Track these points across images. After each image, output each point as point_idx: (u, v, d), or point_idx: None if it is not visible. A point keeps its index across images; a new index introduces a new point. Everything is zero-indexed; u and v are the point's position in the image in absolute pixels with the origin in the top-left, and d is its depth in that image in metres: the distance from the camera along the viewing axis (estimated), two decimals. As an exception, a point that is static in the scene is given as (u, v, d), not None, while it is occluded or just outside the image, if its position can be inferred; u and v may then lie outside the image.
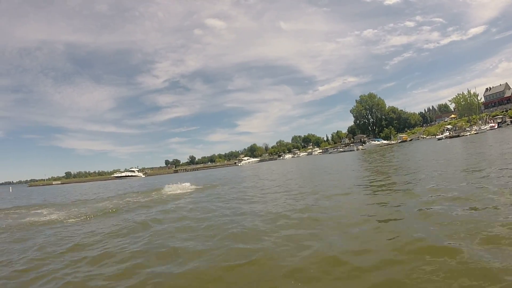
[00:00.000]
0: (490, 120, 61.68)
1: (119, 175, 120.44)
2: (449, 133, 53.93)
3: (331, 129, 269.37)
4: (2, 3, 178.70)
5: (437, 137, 60.01)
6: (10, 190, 69.63)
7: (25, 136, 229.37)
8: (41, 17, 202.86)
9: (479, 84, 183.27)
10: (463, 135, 50.30)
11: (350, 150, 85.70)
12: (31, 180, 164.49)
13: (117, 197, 20.19)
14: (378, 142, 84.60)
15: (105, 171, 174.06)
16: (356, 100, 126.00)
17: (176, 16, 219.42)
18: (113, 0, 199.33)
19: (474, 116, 77.76)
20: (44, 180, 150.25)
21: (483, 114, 76.84)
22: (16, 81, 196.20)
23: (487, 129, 53.51)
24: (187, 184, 20.97)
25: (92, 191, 33.94)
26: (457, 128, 62.18)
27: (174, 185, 22.04)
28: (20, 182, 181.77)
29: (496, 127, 54.51)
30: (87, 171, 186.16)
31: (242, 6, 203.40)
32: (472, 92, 79.94)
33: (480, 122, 59.97)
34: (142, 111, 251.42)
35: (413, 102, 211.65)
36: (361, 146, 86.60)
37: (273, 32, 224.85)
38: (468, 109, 79.63)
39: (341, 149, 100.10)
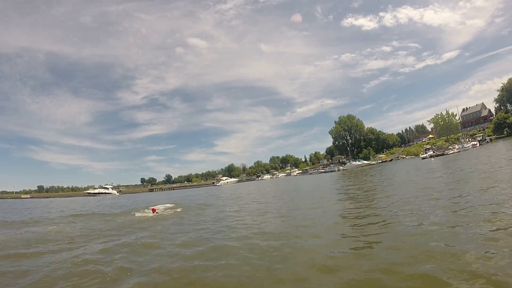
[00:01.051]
0: (472, 139, 62.43)
1: (92, 191, 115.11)
2: (433, 152, 53.53)
3: (309, 150, 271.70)
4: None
5: (421, 156, 59.71)
6: None
7: None
8: (25, 23, 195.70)
9: (453, 105, 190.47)
10: (447, 154, 50.03)
11: (331, 171, 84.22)
12: (1, 192, 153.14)
13: (80, 217, 18.43)
14: (359, 163, 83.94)
15: (79, 186, 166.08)
16: (335, 122, 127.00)
17: (159, 33, 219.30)
18: (98, 12, 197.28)
19: (452, 136, 79.06)
20: (13, 193, 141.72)
21: (460, 134, 78.29)
22: None
23: (470, 147, 53.68)
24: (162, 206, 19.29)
25: (55, 208, 31.99)
26: (439, 147, 62.30)
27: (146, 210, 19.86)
28: None
29: (478, 145, 54.94)
30: (60, 186, 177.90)
31: (224, 27, 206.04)
32: (450, 112, 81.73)
33: (462, 140, 60.45)
34: (120, 126, 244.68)
35: (390, 124, 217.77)
36: (342, 167, 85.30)
37: (253, 53, 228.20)
38: (446, 129, 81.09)
39: (321, 170, 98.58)
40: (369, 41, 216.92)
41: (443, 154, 50.26)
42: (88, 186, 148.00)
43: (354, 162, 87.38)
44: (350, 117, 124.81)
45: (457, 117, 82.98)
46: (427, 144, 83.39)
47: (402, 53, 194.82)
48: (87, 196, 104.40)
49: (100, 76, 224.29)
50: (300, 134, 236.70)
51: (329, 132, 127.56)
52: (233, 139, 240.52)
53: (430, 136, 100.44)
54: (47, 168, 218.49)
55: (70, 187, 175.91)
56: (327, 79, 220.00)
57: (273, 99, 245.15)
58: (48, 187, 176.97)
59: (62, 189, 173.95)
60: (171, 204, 23.19)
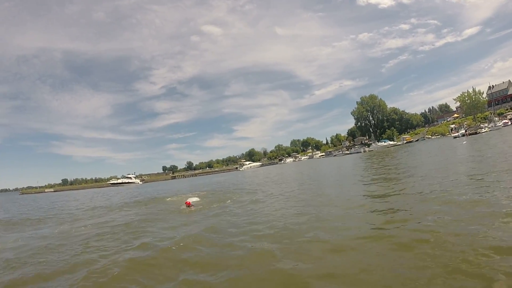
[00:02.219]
0: (503, 117, 63.32)
1: (115, 181, 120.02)
2: (465, 131, 54.81)
3: (329, 132, 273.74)
4: (1, 11, 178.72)
5: (453, 135, 60.72)
6: None
7: (22, 143, 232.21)
8: (39, 25, 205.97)
9: (475, 84, 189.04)
10: (480, 132, 51.55)
11: (357, 152, 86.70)
12: (27, 188, 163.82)
13: (97, 214, 17.81)
14: (385, 143, 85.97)
15: (102, 177, 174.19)
16: (357, 102, 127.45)
17: (173, 23, 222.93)
18: (110, 8, 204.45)
19: (479, 114, 79.68)
20: (37, 187, 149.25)
21: (488, 112, 78.84)
22: (13, 88, 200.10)
23: (502, 125, 55.06)
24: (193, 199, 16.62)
25: (79, 201, 33.16)
26: (470, 126, 63.51)
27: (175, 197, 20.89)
28: (16, 190, 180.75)
29: (510, 123, 56.11)
30: (84, 178, 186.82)
31: (238, 12, 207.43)
32: (477, 90, 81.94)
33: (496, 119, 61.29)
34: (140, 117, 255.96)
35: (410, 104, 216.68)
36: (367, 148, 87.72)
37: (269, 38, 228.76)
38: (473, 107, 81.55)
39: (346, 151, 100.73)
40: (386, 19, 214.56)
41: (476, 133, 51.53)
42: (111, 176, 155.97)
43: (379, 143, 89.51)
44: (372, 97, 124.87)
45: (484, 95, 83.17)
46: (453, 124, 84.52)
47: (421, 30, 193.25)
48: (110, 186, 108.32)
49: (118, 69, 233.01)
50: (319, 117, 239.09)
51: (351, 113, 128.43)
52: (252, 124, 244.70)
53: (456, 115, 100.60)
54: (71, 161, 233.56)
55: (94, 178, 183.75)
56: (345, 60, 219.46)
57: (291, 83, 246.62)
58: (72, 179, 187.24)
59: (86, 181, 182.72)
60: (201, 192, 23.33)
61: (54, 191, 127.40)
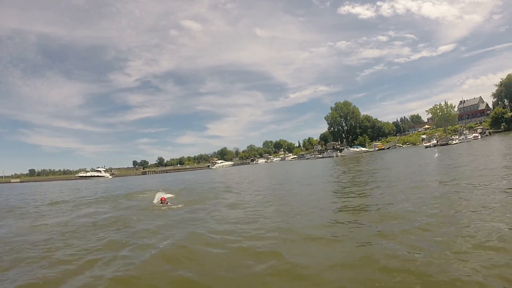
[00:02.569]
0: (473, 131, 65.09)
1: (84, 175, 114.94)
2: (437, 141, 56.11)
3: (301, 136, 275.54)
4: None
5: (424, 144, 62.31)
6: None
7: None
8: (15, 4, 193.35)
9: (446, 98, 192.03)
10: (450, 144, 52.27)
11: (329, 156, 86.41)
12: None
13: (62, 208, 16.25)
14: (357, 149, 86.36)
15: (71, 169, 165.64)
16: (331, 107, 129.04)
17: (153, 15, 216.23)
18: None
19: (450, 127, 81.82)
20: (3, 177, 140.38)
21: (458, 126, 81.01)
22: None
23: (472, 138, 56.33)
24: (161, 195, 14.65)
25: (47, 194, 31.02)
26: (441, 138, 64.77)
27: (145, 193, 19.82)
28: None
29: (479, 137, 57.56)
30: (52, 169, 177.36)
31: (219, 10, 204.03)
32: (449, 104, 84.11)
33: (466, 132, 62.91)
34: (112, 109, 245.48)
35: (382, 113, 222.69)
36: (339, 153, 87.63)
37: (248, 38, 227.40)
38: (444, 120, 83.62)
39: (319, 155, 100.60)
40: (365, 29, 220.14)
41: (447, 144, 52.34)
42: (79, 169, 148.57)
43: (352, 149, 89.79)
44: (346, 104, 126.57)
45: (455, 109, 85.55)
46: (423, 134, 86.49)
47: (398, 43, 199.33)
48: (78, 179, 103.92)
49: (93, 58, 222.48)
50: (292, 120, 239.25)
51: (325, 118, 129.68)
52: (225, 123, 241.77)
53: (426, 126, 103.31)
54: (39, 151, 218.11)
55: (62, 170, 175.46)
56: (322, 65, 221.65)
57: (267, 84, 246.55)
58: (40, 170, 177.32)
59: (54, 172, 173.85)
60: (175, 189, 22.56)
61: (21, 182, 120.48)
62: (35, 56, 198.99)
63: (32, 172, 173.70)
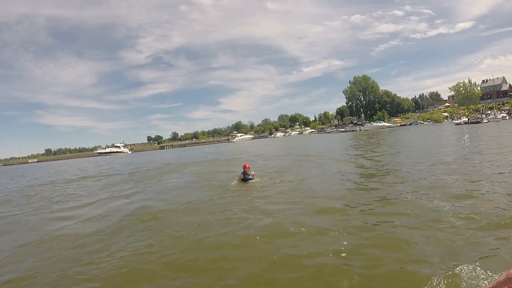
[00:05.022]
0: (502, 111, 69.27)
1: (103, 151, 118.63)
2: (468, 119, 59.40)
3: (315, 110, 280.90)
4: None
5: (454, 121, 65.42)
6: None
7: (4, 113, 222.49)
8: None
9: (463, 77, 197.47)
10: (481, 122, 55.89)
11: (352, 130, 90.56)
12: (10, 158, 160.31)
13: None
14: (380, 124, 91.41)
15: (86, 147, 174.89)
16: (349, 81, 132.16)
17: None
18: None
19: (472, 106, 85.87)
20: (20, 158, 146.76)
21: (480, 105, 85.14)
22: None
23: (500, 118, 60.42)
24: None
25: (77, 171, 32.34)
26: (469, 115, 68.03)
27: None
28: None
29: (507, 117, 61.96)
30: (68, 148, 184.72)
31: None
32: (472, 82, 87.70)
33: (495, 112, 66.76)
34: (124, 86, 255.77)
35: (397, 89, 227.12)
36: (362, 127, 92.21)
37: (260, 11, 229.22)
38: (467, 99, 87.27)
39: (341, 129, 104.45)
40: (380, 3, 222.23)
41: (477, 122, 55.97)
42: (95, 146, 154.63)
43: (374, 123, 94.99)
44: (365, 78, 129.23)
45: (478, 88, 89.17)
46: (444, 112, 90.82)
47: (414, 18, 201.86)
48: (97, 156, 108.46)
49: (103, 36, 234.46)
50: (306, 94, 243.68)
51: (343, 92, 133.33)
52: (238, 97, 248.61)
53: (447, 104, 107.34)
54: (54, 131, 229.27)
55: (78, 148, 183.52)
56: (336, 40, 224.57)
57: (279, 58, 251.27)
58: (56, 149, 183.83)
59: (70, 150, 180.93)
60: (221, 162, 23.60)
61: (38, 161, 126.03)
62: (46, 39, 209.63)
63: (48, 152, 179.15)
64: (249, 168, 11.34)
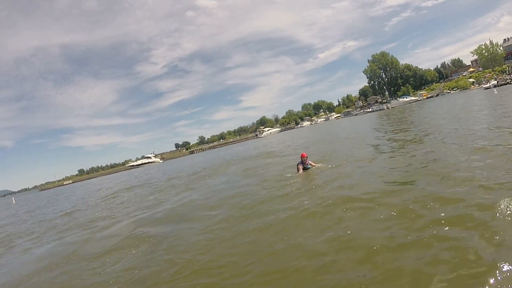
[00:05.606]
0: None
1: (135, 163, 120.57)
2: (497, 82, 58.50)
3: (337, 95, 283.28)
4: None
5: (483, 86, 64.73)
6: (13, 202, 64.15)
7: (34, 142, 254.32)
8: (31, 24, 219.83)
9: (482, 39, 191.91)
10: (510, 83, 55.60)
11: (379, 109, 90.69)
12: (46, 183, 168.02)
13: None
14: (406, 99, 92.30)
15: (117, 162, 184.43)
16: (368, 60, 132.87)
17: (166, 1, 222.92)
18: None
19: (497, 68, 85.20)
20: (55, 182, 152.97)
21: (505, 66, 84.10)
22: (17, 90, 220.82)
23: None
24: None
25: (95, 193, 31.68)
26: (498, 77, 67.10)
27: None
28: (35, 187, 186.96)
29: (537, 77, 61.56)
30: (99, 166, 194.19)
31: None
32: (494, 43, 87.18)
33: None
34: (145, 99, 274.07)
35: (416, 62, 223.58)
36: (390, 105, 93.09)
37: (265, 4, 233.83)
38: (491, 61, 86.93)
39: (368, 109, 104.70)
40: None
41: (507, 84, 55.77)
42: (125, 160, 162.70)
43: (400, 99, 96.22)
44: (384, 55, 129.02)
45: (501, 48, 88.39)
46: (470, 78, 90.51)
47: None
48: (129, 169, 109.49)
49: (117, 55, 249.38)
50: (325, 80, 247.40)
51: (363, 72, 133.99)
52: (258, 93, 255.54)
53: (471, 69, 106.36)
54: (83, 152, 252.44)
55: (109, 164, 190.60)
56: (346, 21, 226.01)
57: (293, 48, 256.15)
58: (88, 169, 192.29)
59: (102, 168, 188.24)
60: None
61: (73, 182, 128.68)
62: (62, 66, 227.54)
63: (81, 172, 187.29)
64: (307, 157, 11.49)
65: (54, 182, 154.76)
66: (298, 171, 11.42)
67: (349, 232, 5.29)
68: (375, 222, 5.47)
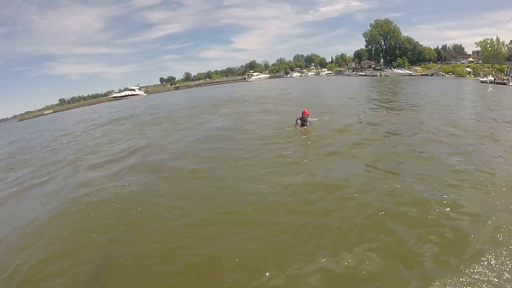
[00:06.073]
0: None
1: (118, 95, 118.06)
2: (494, 79, 57.71)
3: (331, 51, 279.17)
4: None
5: (480, 79, 64.22)
6: None
7: (15, 69, 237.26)
8: None
9: (489, 34, 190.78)
10: (507, 85, 52.84)
11: (372, 75, 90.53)
12: (25, 113, 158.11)
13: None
14: (401, 71, 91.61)
15: (99, 93, 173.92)
16: (370, 24, 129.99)
17: None
18: None
19: (497, 66, 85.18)
20: (35, 111, 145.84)
21: (504, 66, 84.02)
22: None
23: None
24: None
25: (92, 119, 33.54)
26: (495, 75, 67.09)
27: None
28: (15, 117, 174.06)
29: (537, 82, 61.61)
30: (81, 96, 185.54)
31: None
32: (501, 41, 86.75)
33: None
34: (134, 29, 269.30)
35: (418, 37, 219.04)
36: (383, 73, 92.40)
37: None
38: (493, 57, 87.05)
39: (361, 73, 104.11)
40: None
41: (504, 84, 53.88)
42: (108, 91, 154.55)
43: (395, 70, 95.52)
44: (387, 22, 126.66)
45: (505, 48, 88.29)
46: (467, 67, 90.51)
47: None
48: (113, 100, 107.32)
49: None
50: (322, 34, 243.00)
51: (363, 35, 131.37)
52: (251, 36, 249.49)
53: (471, 59, 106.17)
54: (66, 80, 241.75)
55: (91, 95, 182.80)
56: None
57: None
58: (69, 98, 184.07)
59: (84, 98, 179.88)
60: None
61: (53, 112, 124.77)
62: None
63: (62, 102, 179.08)
64: (308, 114, 12.00)
65: (34, 111, 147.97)
66: (296, 125, 12.08)
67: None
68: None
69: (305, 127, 11.93)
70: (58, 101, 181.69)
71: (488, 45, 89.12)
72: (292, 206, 5.89)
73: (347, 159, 8.52)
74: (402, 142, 10.10)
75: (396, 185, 6.54)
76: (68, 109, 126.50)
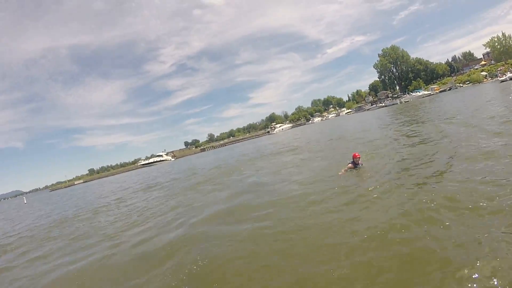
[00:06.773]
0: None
1: (146, 162, 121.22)
2: None
3: (346, 90, 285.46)
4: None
5: (499, 79, 65.39)
6: (25, 201, 68.26)
7: (45, 142, 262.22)
8: (39, 26, 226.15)
9: (492, 32, 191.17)
10: None
11: (392, 104, 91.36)
12: (56, 183, 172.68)
13: None
14: (419, 93, 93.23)
15: (127, 161, 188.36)
16: (378, 54, 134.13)
17: (172, 0, 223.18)
18: None
19: (510, 61, 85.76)
20: (66, 181, 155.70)
21: None
22: (27, 92, 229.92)
23: None
24: None
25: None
26: (502, 73, 67.75)
27: None
28: (46, 187, 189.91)
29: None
30: (110, 165, 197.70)
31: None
32: (507, 35, 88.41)
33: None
34: (154, 98, 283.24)
35: (426, 56, 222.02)
36: (403, 99, 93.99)
37: (272, 0, 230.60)
38: (504, 54, 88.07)
39: (381, 104, 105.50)
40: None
41: None
42: (135, 159, 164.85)
43: (413, 94, 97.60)
44: (394, 48, 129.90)
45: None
46: (482, 71, 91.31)
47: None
48: (141, 168, 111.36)
49: (125, 55, 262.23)
50: (334, 76, 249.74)
51: (374, 66, 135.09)
52: (267, 90, 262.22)
53: (483, 62, 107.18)
54: (94, 151, 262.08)
55: (119, 163, 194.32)
56: (354, 15, 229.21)
57: (301, 44, 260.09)
58: (98, 168, 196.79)
59: (112, 167, 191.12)
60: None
61: (84, 182, 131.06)
62: (71, 67, 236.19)
63: (91, 172, 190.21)
64: (359, 157, 11.44)
65: (65, 182, 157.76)
66: (346, 169, 11.57)
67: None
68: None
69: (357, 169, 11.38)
70: (88, 171, 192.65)
71: (497, 43, 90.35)
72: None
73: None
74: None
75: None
76: (98, 178, 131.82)
